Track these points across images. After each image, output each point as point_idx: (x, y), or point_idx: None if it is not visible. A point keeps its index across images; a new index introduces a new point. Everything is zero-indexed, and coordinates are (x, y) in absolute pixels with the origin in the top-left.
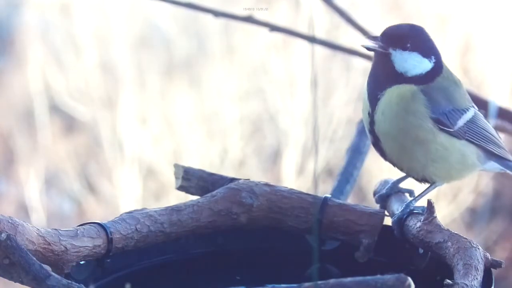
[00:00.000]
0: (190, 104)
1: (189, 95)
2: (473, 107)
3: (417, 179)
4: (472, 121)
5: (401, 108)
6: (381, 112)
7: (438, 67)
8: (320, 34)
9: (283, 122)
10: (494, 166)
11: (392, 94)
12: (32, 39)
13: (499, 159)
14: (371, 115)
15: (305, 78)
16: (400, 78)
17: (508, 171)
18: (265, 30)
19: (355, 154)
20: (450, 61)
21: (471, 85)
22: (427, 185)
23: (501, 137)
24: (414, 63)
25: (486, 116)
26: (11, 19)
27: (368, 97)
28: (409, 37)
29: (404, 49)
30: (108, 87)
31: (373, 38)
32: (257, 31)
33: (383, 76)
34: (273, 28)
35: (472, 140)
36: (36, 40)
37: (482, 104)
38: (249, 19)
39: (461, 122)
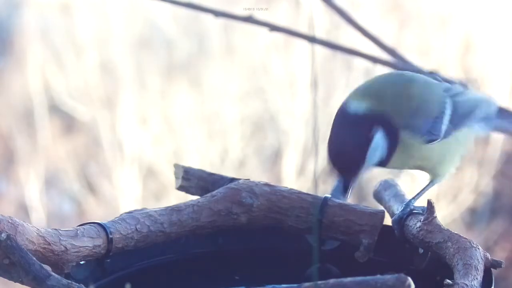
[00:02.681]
0: (190, 104)
1: (189, 95)
2: (447, 93)
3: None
4: (454, 112)
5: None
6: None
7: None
8: (320, 34)
9: (283, 122)
10: (482, 129)
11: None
12: (32, 39)
13: (485, 120)
14: None
15: (306, 78)
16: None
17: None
18: (265, 30)
19: None
20: (450, 61)
21: (471, 85)
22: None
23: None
24: (373, 159)
25: None
26: (11, 19)
27: None
28: (353, 165)
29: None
30: (108, 87)
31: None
32: (257, 31)
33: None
34: (273, 28)
35: (460, 128)
36: (36, 40)
37: None
38: (249, 19)
39: (444, 127)
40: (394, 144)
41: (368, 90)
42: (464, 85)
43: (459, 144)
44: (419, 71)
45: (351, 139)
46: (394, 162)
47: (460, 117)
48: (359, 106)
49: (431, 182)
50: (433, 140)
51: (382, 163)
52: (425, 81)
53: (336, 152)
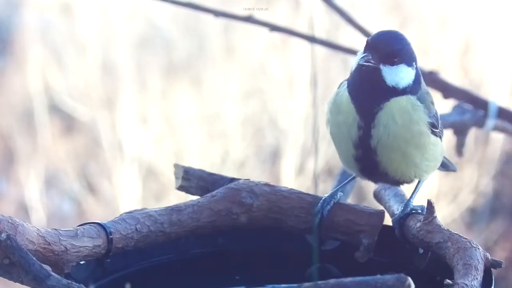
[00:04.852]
0: (190, 104)
1: (189, 96)
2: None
3: (399, 183)
4: (441, 118)
5: (406, 119)
6: (382, 126)
7: (418, 72)
8: (320, 34)
9: (282, 122)
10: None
11: (392, 107)
12: (32, 39)
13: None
14: (365, 129)
15: (305, 78)
16: (394, 91)
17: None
18: (265, 30)
19: None
20: (450, 61)
21: (471, 85)
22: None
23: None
24: (403, 76)
25: (485, 116)
26: (11, 19)
27: (358, 111)
28: (397, 51)
29: (392, 64)
30: (108, 87)
31: (364, 55)
32: (257, 31)
33: (375, 91)
34: (273, 28)
35: (441, 136)
36: (36, 40)
37: (482, 104)
38: (249, 19)
39: (440, 122)
40: (417, 77)
41: None
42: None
43: (440, 151)
44: None
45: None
46: (394, 137)
47: (441, 128)
48: None
49: (420, 181)
50: (435, 127)
51: (408, 83)
52: None
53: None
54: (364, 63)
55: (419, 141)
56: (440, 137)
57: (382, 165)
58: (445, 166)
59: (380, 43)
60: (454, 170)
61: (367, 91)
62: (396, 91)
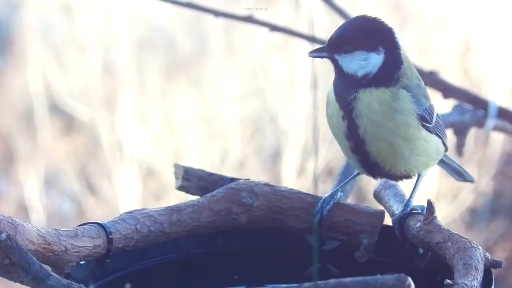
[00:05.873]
0: (190, 104)
1: (189, 95)
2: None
3: (396, 178)
4: (438, 116)
5: (386, 108)
6: (364, 115)
7: (393, 57)
8: (320, 34)
9: (283, 122)
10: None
11: (367, 96)
12: (32, 39)
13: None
14: (349, 119)
15: (305, 78)
16: (359, 80)
17: (450, 173)
18: (265, 30)
19: None
20: (450, 61)
21: (471, 85)
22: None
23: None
24: (360, 62)
25: (485, 116)
26: (11, 19)
27: (337, 101)
28: (350, 39)
29: (346, 52)
30: (108, 87)
31: (320, 47)
32: (257, 31)
33: (343, 80)
34: (273, 28)
35: (439, 134)
36: (36, 40)
37: (482, 104)
38: (249, 19)
39: (434, 118)
40: (390, 63)
41: None
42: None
43: (436, 149)
44: (419, 71)
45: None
46: (383, 131)
47: (439, 126)
48: None
49: (419, 178)
50: (426, 121)
51: (370, 75)
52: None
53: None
54: (311, 55)
55: (405, 132)
56: (437, 135)
57: (372, 156)
58: (461, 175)
59: (334, 33)
60: (471, 181)
61: (339, 81)
62: (364, 80)
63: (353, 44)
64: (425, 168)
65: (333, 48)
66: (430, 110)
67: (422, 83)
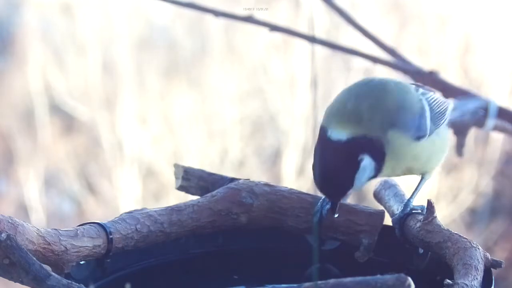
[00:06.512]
0: (190, 104)
1: (189, 95)
2: (422, 95)
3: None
4: (431, 111)
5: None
6: None
7: (376, 161)
8: (320, 34)
9: (283, 122)
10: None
11: None
12: (32, 39)
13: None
14: None
15: (305, 78)
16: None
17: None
18: (265, 30)
19: None
20: (450, 61)
21: (471, 85)
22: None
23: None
24: (360, 185)
25: (485, 116)
26: (11, 19)
27: None
28: (340, 191)
29: (346, 196)
30: (108, 87)
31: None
32: (257, 31)
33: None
34: (273, 28)
35: (439, 126)
36: (36, 40)
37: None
38: (249, 19)
39: (428, 124)
40: (381, 160)
41: (343, 112)
42: (429, 88)
43: (442, 142)
44: (418, 71)
45: (337, 167)
46: (385, 170)
47: (437, 116)
48: (340, 133)
49: (423, 179)
50: (422, 137)
51: (373, 177)
52: (397, 83)
53: (323, 180)
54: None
55: (411, 158)
56: (437, 127)
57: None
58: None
59: (323, 189)
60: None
61: None
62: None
63: (346, 189)
64: (438, 164)
65: (333, 200)
66: (419, 120)
67: (397, 102)
